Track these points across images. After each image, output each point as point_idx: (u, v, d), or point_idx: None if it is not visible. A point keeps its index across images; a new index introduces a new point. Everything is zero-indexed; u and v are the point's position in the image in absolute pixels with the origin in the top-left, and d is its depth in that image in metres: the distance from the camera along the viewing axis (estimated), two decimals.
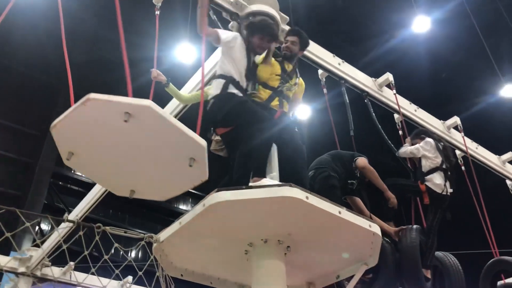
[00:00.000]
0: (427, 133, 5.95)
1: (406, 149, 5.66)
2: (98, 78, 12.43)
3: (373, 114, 5.88)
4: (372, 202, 5.29)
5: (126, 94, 2.88)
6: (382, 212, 5.28)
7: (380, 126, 5.86)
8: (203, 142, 2.80)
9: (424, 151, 5.56)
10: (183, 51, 11.85)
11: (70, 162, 2.95)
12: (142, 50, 7.57)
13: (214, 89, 3.93)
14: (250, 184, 3.42)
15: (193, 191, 12.94)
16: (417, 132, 5.98)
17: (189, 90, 5.29)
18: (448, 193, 5.39)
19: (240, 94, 3.87)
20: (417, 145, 5.64)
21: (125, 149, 2.93)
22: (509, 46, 12.32)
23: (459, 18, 11.54)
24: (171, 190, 3.32)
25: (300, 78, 4.63)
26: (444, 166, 5.50)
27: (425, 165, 5.50)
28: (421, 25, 11.63)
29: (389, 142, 5.92)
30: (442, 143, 5.83)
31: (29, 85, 13.87)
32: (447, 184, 5.41)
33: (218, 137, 4.33)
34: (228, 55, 3.98)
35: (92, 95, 2.58)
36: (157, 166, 3.07)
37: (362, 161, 5.19)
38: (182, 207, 17.79)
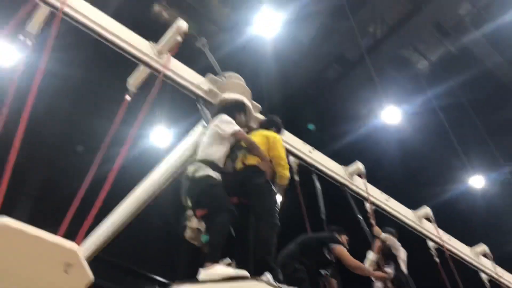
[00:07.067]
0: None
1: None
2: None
3: (352, 200, 5.90)
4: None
5: None
6: None
7: (359, 214, 5.87)
8: (72, 245, 2.61)
9: None
10: (157, 135, 11.81)
11: None
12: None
13: None
14: (205, 271, 3.28)
15: (160, 279, 12.32)
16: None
17: (161, 172, 5.31)
18: None
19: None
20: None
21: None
22: (476, 140, 12.71)
23: (428, 113, 12.02)
24: None
25: None
26: None
27: None
28: (392, 116, 11.93)
29: (367, 228, 5.86)
30: None
31: None
32: None
33: (195, 225, 4.09)
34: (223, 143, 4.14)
35: None
36: (35, 282, 2.74)
37: (339, 251, 5.05)
38: None
